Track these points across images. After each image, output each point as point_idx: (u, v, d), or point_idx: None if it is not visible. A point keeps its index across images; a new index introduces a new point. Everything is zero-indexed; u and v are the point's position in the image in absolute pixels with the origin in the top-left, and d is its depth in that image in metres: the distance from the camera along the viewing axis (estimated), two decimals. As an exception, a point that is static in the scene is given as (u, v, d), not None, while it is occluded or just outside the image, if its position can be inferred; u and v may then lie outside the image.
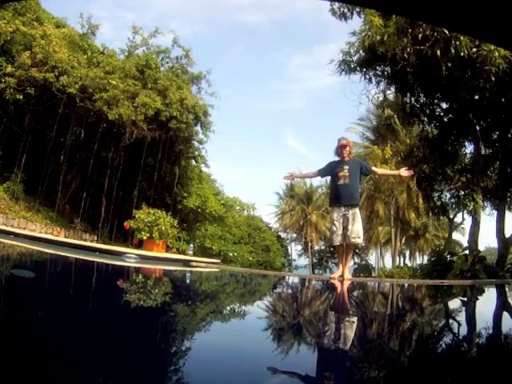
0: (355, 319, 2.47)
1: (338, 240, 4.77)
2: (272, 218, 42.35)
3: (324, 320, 2.41)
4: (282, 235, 42.93)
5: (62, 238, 11.58)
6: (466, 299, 4.26)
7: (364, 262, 45.35)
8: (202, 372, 1.17)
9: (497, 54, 8.75)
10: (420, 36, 9.36)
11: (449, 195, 13.61)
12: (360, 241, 4.83)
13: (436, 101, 12.29)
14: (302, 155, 68.16)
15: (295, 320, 2.32)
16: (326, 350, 1.62)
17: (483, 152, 12.40)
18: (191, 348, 1.49)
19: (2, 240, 6.18)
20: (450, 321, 2.63)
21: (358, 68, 11.09)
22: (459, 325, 2.44)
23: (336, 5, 10.19)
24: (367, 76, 11.32)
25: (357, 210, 4.79)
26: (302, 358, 1.46)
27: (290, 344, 1.69)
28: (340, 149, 4.88)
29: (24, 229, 11.97)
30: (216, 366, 1.22)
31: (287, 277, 9.12)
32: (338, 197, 4.83)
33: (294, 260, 45.55)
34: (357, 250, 39.47)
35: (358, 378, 1.29)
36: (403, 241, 32.94)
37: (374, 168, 5.56)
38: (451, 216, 17.50)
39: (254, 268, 23.84)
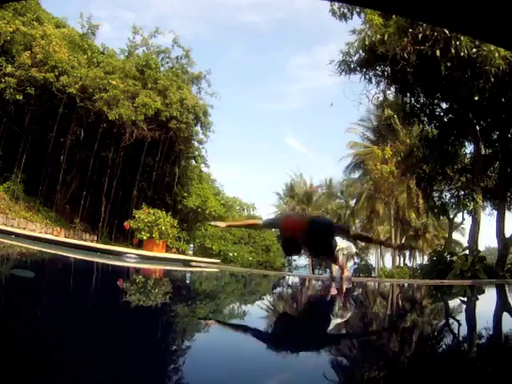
0: (355, 319, 2.47)
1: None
2: (272, 218, 42.29)
3: (324, 320, 2.41)
4: (282, 235, 42.88)
5: (62, 238, 11.58)
6: (465, 299, 4.26)
7: (364, 262, 45.31)
8: (201, 372, 1.17)
9: (497, 54, 8.74)
10: (420, 36, 9.35)
11: (449, 195, 13.62)
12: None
13: (436, 101, 12.28)
14: (301, 155, 68.00)
15: (295, 320, 2.31)
16: (326, 349, 1.62)
17: (483, 152, 12.39)
18: (191, 348, 1.49)
19: (3, 240, 6.18)
20: (450, 321, 2.63)
21: (358, 68, 11.07)
22: (459, 325, 2.44)
23: (336, 5, 10.19)
24: (367, 76, 11.31)
25: (339, 254, 4.64)
26: (302, 357, 1.46)
27: (289, 344, 1.69)
28: None
29: (24, 229, 11.96)
30: (216, 366, 1.22)
31: (287, 277, 9.12)
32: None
33: (294, 260, 45.44)
34: (356, 251, 39.40)
35: (358, 378, 1.29)
36: (403, 241, 32.89)
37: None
38: (451, 216, 17.49)
39: (254, 268, 23.83)
